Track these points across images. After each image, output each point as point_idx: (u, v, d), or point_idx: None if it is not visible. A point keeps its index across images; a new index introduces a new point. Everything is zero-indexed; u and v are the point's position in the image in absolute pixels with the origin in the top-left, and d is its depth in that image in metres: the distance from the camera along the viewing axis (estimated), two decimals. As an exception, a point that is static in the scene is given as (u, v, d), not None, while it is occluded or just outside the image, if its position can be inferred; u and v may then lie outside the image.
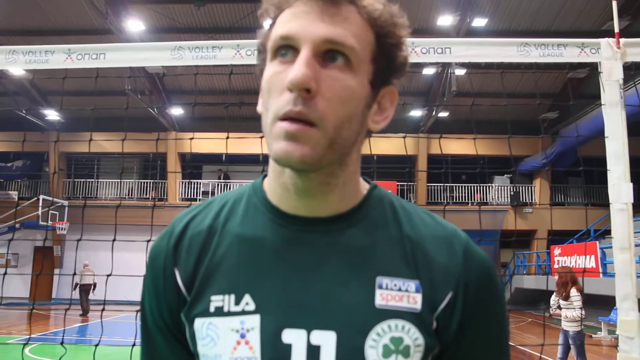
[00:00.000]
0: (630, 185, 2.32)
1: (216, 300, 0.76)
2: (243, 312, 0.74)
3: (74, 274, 13.21)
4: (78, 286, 15.09)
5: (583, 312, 6.51)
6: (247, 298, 0.75)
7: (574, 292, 6.60)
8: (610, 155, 2.36)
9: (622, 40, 2.42)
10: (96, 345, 2.92)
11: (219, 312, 0.75)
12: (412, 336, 0.73)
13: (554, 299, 6.86)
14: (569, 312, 6.53)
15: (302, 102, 0.69)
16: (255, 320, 0.74)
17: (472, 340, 0.77)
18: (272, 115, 0.71)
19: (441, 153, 18.97)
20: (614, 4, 2.52)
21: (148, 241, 2.95)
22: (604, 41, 2.43)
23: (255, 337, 0.73)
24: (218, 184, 20.66)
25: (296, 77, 0.68)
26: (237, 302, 0.75)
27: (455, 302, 0.75)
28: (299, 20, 0.71)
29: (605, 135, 2.39)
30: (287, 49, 0.72)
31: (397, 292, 0.75)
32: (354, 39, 0.71)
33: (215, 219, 0.82)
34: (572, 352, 6.58)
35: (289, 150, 0.69)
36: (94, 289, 15.22)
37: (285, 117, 0.69)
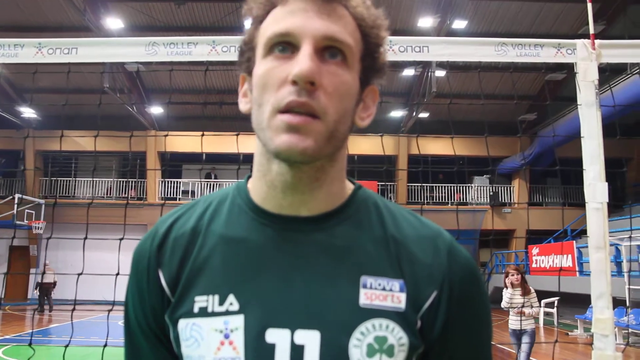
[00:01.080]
0: (606, 184, 2.34)
1: (200, 301, 0.76)
2: (227, 313, 0.74)
3: (36, 273, 13.14)
4: (39, 285, 15.52)
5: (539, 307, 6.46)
6: (231, 298, 0.74)
7: (531, 289, 6.59)
8: (586, 155, 2.38)
9: (597, 41, 2.44)
10: (66, 346, 2.85)
11: (203, 312, 0.75)
12: (396, 335, 0.73)
13: (508, 297, 6.59)
14: (527, 309, 6.37)
15: (307, 94, 0.70)
16: (239, 321, 0.73)
17: (457, 339, 0.77)
18: (271, 109, 0.71)
19: (419, 153, 19.09)
20: (589, 6, 2.54)
21: (121, 239, 2.92)
22: (579, 42, 2.45)
23: (239, 338, 0.73)
24: (198, 183, 20.50)
25: (302, 70, 0.69)
26: (221, 303, 0.75)
27: (440, 302, 0.76)
28: (297, 18, 0.72)
29: (582, 135, 2.40)
30: (285, 45, 0.72)
31: (382, 292, 0.75)
32: (349, 37, 0.74)
33: (199, 220, 0.82)
34: (524, 349, 6.37)
35: (292, 142, 0.70)
36: (54, 287, 15.73)
37: (287, 109, 0.70)
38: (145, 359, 0.82)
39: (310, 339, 0.72)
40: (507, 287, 6.65)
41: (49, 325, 12.78)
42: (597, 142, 2.35)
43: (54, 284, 15.74)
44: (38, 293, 15.68)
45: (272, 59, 0.73)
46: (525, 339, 6.36)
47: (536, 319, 6.41)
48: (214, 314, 0.74)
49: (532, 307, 6.44)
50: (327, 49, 0.73)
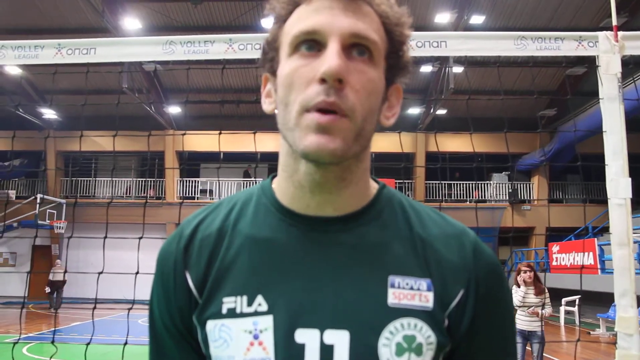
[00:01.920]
0: (629, 180, 2.29)
1: (228, 302, 0.76)
2: (256, 313, 0.75)
3: (47, 271, 13.53)
4: (50, 283, 16.25)
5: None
6: (259, 299, 0.75)
7: (545, 288, 6.21)
8: (608, 150, 2.34)
9: (620, 33, 2.39)
10: (87, 344, 2.88)
11: (232, 313, 0.75)
12: (424, 334, 0.74)
13: (521, 296, 6.16)
14: (540, 310, 6.02)
15: (335, 93, 0.69)
16: (268, 321, 0.74)
17: (483, 336, 0.78)
18: (299, 108, 0.71)
19: (437, 150, 18.95)
20: (612, -3, 2.48)
21: (140, 238, 2.94)
22: (601, 34, 2.40)
23: (268, 338, 0.73)
24: (216, 182, 20.62)
25: (331, 67, 0.68)
26: (250, 304, 0.75)
27: (467, 300, 0.77)
28: (323, 15, 0.72)
29: (604, 129, 2.36)
30: (311, 43, 0.72)
31: (409, 291, 0.75)
32: (375, 34, 0.74)
33: (225, 221, 0.82)
34: (533, 353, 6.02)
35: (321, 142, 0.69)
36: (63, 285, 16.44)
37: (317, 108, 0.69)
38: (171, 359, 0.82)
39: (340, 339, 0.72)
40: (518, 286, 6.30)
41: (71, 324, 12.96)
42: (619, 137, 2.30)
43: (64, 282, 16.41)
44: (49, 290, 16.39)
45: (298, 58, 0.73)
46: (536, 341, 6.01)
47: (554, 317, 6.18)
48: (242, 315, 0.75)
49: (543, 307, 6.07)
50: (354, 47, 0.72)
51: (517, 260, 19.37)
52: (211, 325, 0.76)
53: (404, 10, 0.80)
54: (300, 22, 0.73)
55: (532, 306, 6.05)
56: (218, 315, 0.76)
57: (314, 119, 0.69)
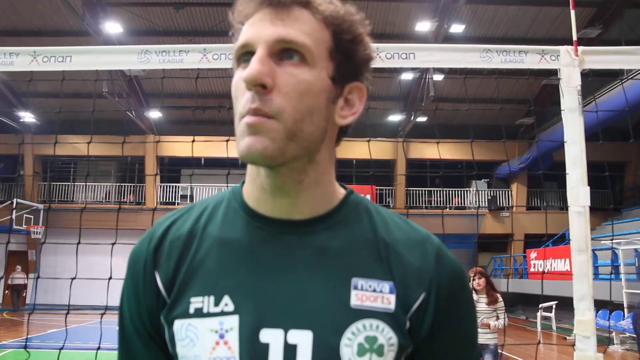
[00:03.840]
0: (587, 188, 2.38)
1: (196, 302, 0.77)
2: (222, 313, 0.76)
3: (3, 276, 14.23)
4: (10, 287, 18.17)
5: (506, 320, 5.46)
6: (226, 299, 0.77)
7: (499, 297, 5.59)
8: (568, 160, 2.43)
9: (580, 48, 2.49)
10: (60, 349, 2.87)
11: (199, 313, 0.77)
12: (386, 335, 0.76)
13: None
14: (492, 321, 5.43)
15: (259, 99, 0.72)
16: (234, 321, 0.75)
17: (444, 339, 0.80)
18: (238, 116, 0.75)
19: (412, 157, 19.11)
20: (572, 13, 2.59)
21: (113, 244, 2.95)
22: (562, 49, 2.49)
23: (234, 338, 0.75)
24: (197, 188, 20.51)
25: (249, 73, 0.72)
26: (217, 304, 0.77)
27: (428, 303, 0.78)
28: (254, 28, 0.76)
29: (565, 139, 2.45)
30: (247, 55, 0.76)
31: (372, 293, 0.77)
32: (306, 37, 0.75)
33: (196, 223, 0.84)
34: None
35: (250, 144, 0.73)
36: (24, 289, 18.50)
37: (247, 112, 0.73)
38: (138, 359, 0.84)
39: (303, 339, 0.74)
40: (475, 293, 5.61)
41: (47, 331, 12.76)
42: (579, 147, 2.39)
43: (25, 285, 18.38)
44: (9, 293, 18.12)
45: (240, 70, 0.77)
46: (488, 355, 5.40)
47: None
48: (209, 315, 0.76)
49: (497, 318, 5.48)
50: (284, 52, 0.75)
51: (502, 267, 19.57)
52: (178, 325, 0.78)
53: (351, 8, 0.81)
54: (240, 38, 0.78)
55: (481, 317, 5.42)
56: (185, 314, 0.77)
57: (244, 121, 0.73)
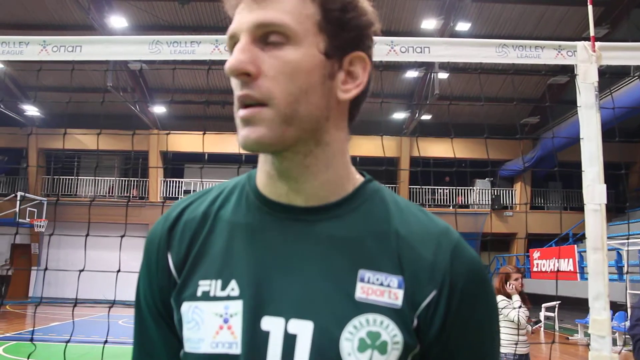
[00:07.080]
0: (604, 186, 2.35)
1: (204, 285, 0.77)
2: (228, 298, 0.75)
3: None
4: None
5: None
6: (232, 284, 0.75)
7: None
8: (585, 157, 2.39)
9: (597, 43, 2.45)
10: (66, 342, 2.86)
11: (205, 296, 0.76)
12: (390, 332, 0.72)
13: (524, 312, 4.65)
14: (530, 327, 4.72)
15: (246, 85, 0.72)
16: (238, 306, 0.74)
17: (458, 343, 0.75)
18: (235, 108, 0.74)
19: (419, 155, 19.07)
20: (590, 9, 2.55)
21: (122, 237, 2.93)
22: (580, 44, 2.46)
23: (237, 323, 0.73)
24: (200, 183, 20.52)
25: (229, 64, 0.71)
26: (224, 288, 0.76)
27: (439, 302, 0.73)
28: (237, 17, 0.75)
29: (581, 137, 2.42)
30: (235, 46, 0.75)
31: (379, 287, 0.73)
32: (286, 15, 0.72)
33: (210, 206, 0.83)
34: None
35: (244, 134, 0.72)
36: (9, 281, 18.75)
37: (239, 104, 0.73)
38: (152, 338, 0.84)
39: (303, 329, 0.72)
40: (509, 297, 4.79)
41: (50, 324, 12.79)
42: (596, 144, 2.36)
43: (9, 277, 18.73)
44: None
45: None
46: None
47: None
48: (215, 298, 0.75)
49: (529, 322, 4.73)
50: (267, 35, 0.73)
51: (499, 265, 19.54)
52: (186, 307, 0.77)
53: None
54: (228, 30, 0.78)
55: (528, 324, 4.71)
56: (193, 297, 0.77)
57: (239, 114, 0.73)
